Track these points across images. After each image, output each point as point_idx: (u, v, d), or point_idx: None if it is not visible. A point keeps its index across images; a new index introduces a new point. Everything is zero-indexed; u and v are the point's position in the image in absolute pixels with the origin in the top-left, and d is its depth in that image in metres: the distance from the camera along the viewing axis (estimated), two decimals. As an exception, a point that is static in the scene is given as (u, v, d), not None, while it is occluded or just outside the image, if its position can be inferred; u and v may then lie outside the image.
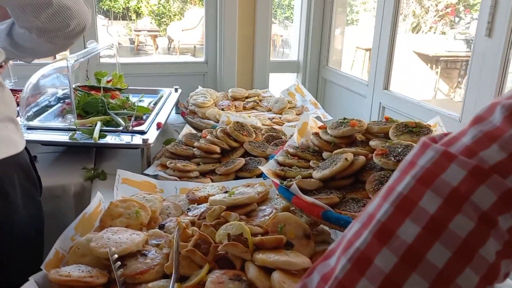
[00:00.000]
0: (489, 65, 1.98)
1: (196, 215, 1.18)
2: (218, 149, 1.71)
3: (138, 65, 3.56)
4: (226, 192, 1.25)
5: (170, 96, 2.41)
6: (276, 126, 2.13)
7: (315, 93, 3.56)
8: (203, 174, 1.65)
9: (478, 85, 2.05)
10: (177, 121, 2.41)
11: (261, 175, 1.62)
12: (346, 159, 1.17)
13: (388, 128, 1.31)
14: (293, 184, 1.12)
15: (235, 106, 2.51)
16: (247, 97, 2.67)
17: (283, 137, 1.93)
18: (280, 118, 2.38)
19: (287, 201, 1.15)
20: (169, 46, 10.31)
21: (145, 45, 10.41)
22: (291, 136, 1.95)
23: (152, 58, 9.64)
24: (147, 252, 1.03)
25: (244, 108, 2.55)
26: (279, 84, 3.70)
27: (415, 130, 1.25)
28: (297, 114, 2.46)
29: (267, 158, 1.70)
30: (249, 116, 2.25)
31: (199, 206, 1.24)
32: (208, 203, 1.23)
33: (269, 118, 2.36)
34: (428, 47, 7.29)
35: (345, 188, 1.18)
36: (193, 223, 1.16)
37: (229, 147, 1.75)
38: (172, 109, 2.22)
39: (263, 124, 2.20)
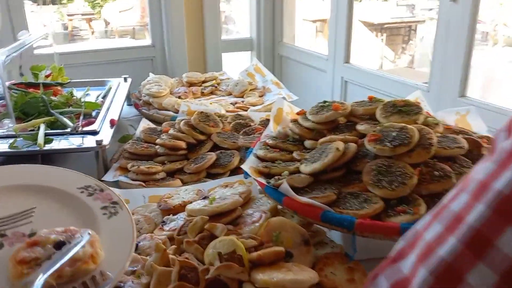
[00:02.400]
0: (456, 32, 1.92)
1: (174, 229, 1.03)
2: (184, 145, 1.54)
3: (77, 54, 3.24)
4: (205, 198, 1.10)
5: (120, 87, 2.17)
6: (241, 112, 1.98)
7: (271, 71, 3.40)
8: (170, 174, 1.48)
9: (444, 53, 2.00)
10: (130, 114, 2.19)
11: (235, 170, 1.48)
12: (337, 149, 1.05)
13: (374, 109, 1.20)
14: (283, 183, 0.99)
15: (192, 92, 2.33)
16: (203, 82, 2.48)
17: (251, 124, 1.78)
18: (242, 102, 2.23)
19: (278, 203, 1.02)
20: (106, 29, 9.71)
21: (80, 30, 9.74)
22: (261, 122, 1.82)
23: (89, 44, 9.05)
24: (122, 285, 0.87)
25: (202, 94, 2.37)
26: (233, 65, 3.52)
27: (405, 109, 1.14)
28: (260, 96, 2.32)
29: (238, 149, 1.55)
30: (211, 103, 2.08)
31: (175, 217, 1.08)
32: (186, 213, 1.07)
33: (231, 103, 2.20)
34: (373, 15, 7.33)
35: (338, 181, 1.07)
36: (171, 239, 1.00)
37: (196, 141, 1.59)
38: (124, 101, 2.00)
39: (227, 111, 2.04)
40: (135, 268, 0.91)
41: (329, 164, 1.04)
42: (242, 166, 1.10)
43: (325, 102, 1.28)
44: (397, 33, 7.73)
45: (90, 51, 3.25)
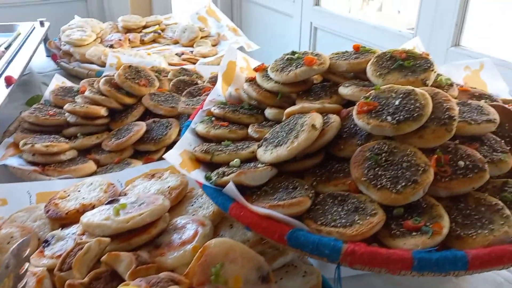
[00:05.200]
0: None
1: (60, 255, 0.66)
2: (103, 111, 1.14)
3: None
4: (111, 201, 0.72)
5: (33, 33, 1.71)
6: (187, 66, 1.57)
7: (229, 15, 2.95)
8: (85, 152, 1.09)
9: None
10: (48, 67, 1.74)
11: (172, 146, 1.10)
12: (313, 126, 0.69)
13: (364, 63, 0.84)
14: (229, 184, 0.63)
15: (129, 40, 1.88)
16: (144, 27, 2.03)
17: (198, 81, 1.39)
18: (191, 52, 1.82)
19: (223, 210, 0.67)
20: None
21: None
22: (211, 79, 1.43)
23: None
24: None
25: (142, 42, 1.93)
26: (185, 7, 3.03)
27: (408, 64, 0.79)
28: (213, 45, 1.91)
29: (178, 117, 1.17)
30: (149, 54, 1.65)
31: (67, 232, 0.71)
32: (80, 226, 0.70)
33: (177, 54, 1.78)
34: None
35: (312, 173, 0.72)
36: (52, 271, 0.64)
37: (122, 106, 1.19)
38: (34, 51, 1.54)
39: (169, 64, 1.63)
40: (-17, 334, 0.55)
41: (301, 150, 0.68)
42: (167, 155, 0.72)
43: (293, 53, 0.90)
44: (366, -22, 7.28)
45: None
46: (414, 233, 0.58)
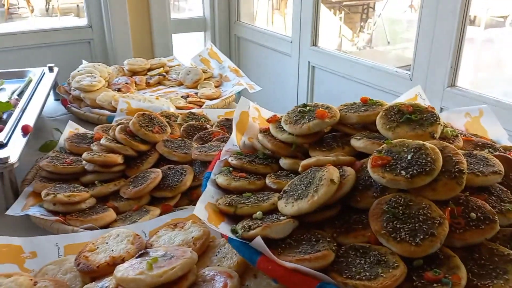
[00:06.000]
0: (445, 14, 1.65)
1: (96, 310, 0.68)
2: (119, 159, 1.18)
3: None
4: (141, 254, 0.76)
5: (44, 78, 1.76)
6: (195, 110, 1.63)
7: (228, 54, 3.05)
8: (102, 198, 1.12)
9: (431, 39, 1.73)
10: (57, 111, 1.78)
11: (187, 191, 1.14)
12: (332, 180, 0.74)
13: (373, 115, 0.89)
14: (257, 238, 0.67)
15: (135, 83, 1.95)
16: (149, 69, 2.10)
17: (207, 126, 1.44)
18: (196, 94, 1.88)
19: (251, 263, 0.70)
20: (47, 6, 8.85)
21: (18, 7, 8.84)
22: (219, 123, 1.49)
23: (27, 23, 8.23)
24: None
25: (148, 85, 2.00)
26: (185, 48, 3.12)
27: (415, 117, 0.85)
28: (216, 86, 1.98)
29: (191, 163, 1.21)
30: (157, 98, 1.71)
31: (100, 285, 0.74)
32: (114, 279, 0.73)
33: (182, 97, 1.84)
34: (331, -9, 7.06)
35: (331, 224, 0.76)
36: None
37: (136, 153, 1.23)
38: (46, 97, 1.59)
39: (176, 107, 1.68)
40: None
41: (321, 204, 0.73)
42: (196, 211, 0.76)
43: (304, 105, 0.96)
44: (355, 11, 7.53)
45: (12, 34, 2.71)
46: (435, 285, 0.62)
